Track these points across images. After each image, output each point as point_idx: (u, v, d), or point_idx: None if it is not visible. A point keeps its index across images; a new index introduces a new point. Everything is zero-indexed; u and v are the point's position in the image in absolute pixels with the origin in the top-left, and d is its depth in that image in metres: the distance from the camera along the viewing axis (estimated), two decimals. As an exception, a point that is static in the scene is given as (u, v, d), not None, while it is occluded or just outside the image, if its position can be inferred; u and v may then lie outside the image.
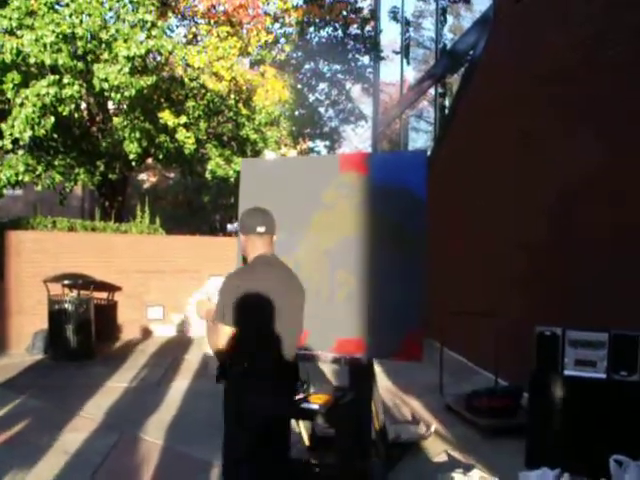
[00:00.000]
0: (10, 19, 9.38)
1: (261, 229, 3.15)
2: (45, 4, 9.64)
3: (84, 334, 9.09)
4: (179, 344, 10.30)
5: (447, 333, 7.08)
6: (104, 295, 10.54)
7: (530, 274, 6.75)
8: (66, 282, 9.35)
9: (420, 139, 15.20)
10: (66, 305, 8.98)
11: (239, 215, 3.50)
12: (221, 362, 3.12)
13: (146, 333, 11.15)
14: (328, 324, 4.11)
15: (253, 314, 2.99)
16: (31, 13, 9.63)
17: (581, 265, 5.81)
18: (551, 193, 6.43)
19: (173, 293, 11.56)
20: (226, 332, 2.93)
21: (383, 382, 6.93)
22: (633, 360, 4.25)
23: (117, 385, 7.34)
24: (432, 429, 5.42)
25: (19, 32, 9.41)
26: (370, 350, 4.04)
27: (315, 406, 3.69)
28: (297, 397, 3.76)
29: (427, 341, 4.53)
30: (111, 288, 10.65)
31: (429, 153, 11.67)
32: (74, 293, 9.31)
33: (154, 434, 5.48)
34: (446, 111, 11.71)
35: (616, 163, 5.41)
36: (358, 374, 4.15)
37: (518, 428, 5.09)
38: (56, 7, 9.96)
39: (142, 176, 26.05)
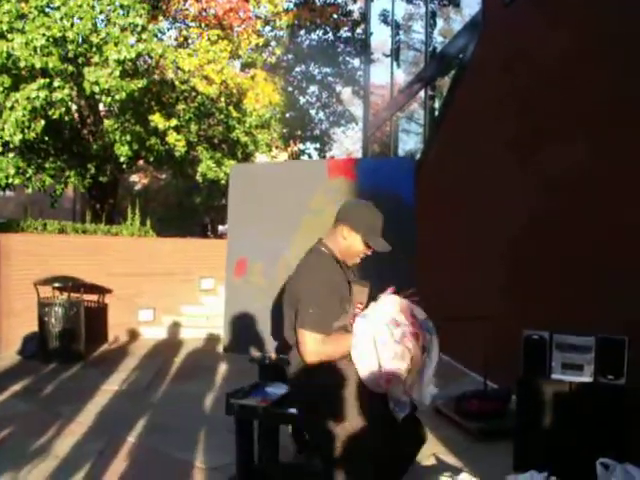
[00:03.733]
0: (0, 22, 9.39)
1: None
2: (36, 7, 9.66)
3: (74, 337, 9.09)
4: (169, 346, 10.30)
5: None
6: (95, 298, 10.53)
7: (518, 278, 6.80)
8: (56, 285, 9.34)
9: (411, 141, 15.22)
10: (56, 308, 8.97)
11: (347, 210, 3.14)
12: None
13: (136, 335, 11.14)
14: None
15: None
16: (22, 16, 9.65)
17: (567, 270, 5.86)
18: (537, 198, 6.48)
19: (164, 295, 11.55)
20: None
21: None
22: (619, 364, 4.28)
23: (107, 388, 7.34)
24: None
25: (9, 35, 9.41)
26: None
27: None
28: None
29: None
30: (102, 291, 10.64)
31: (419, 155, 11.71)
32: (64, 296, 9.30)
33: (143, 438, 5.49)
34: (436, 113, 11.75)
35: (600, 165, 5.47)
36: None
37: (507, 431, 5.12)
38: (47, 10, 9.98)
39: (134, 178, 26.05)
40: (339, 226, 3.06)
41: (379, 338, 2.74)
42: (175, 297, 11.73)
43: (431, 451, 5.05)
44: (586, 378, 4.40)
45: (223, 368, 8.41)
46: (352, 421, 2.81)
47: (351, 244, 3.06)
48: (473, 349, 6.74)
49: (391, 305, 2.85)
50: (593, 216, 5.57)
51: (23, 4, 9.85)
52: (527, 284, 6.61)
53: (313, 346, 2.79)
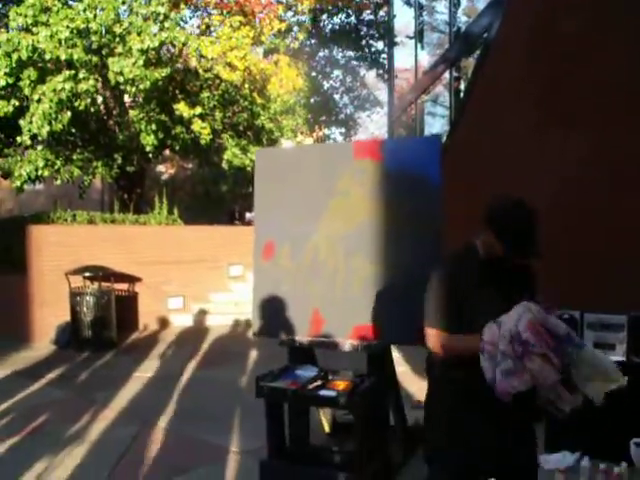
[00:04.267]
0: (25, 16, 9.49)
1: None
2: (59, 0, 9.72)
3: (106, 325, 9.23)
4: (199, 333, 10.40)
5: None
6: (124, 286, 10.65)
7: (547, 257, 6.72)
8: (87, 274, 9.47)
9: (436, 124, 15.11)
10: (87, 297, 9.11)
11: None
12: None
13: (166, 323, 11.27)
14: (344, 311, 4.12)
15: None
16: (46, 10, 9.73)
17: (600, 248, 5.78)
18: (564, 176, 6.39)
19: (193, 283, 11.64)
20: None
21: (401, 367, 6.94)
22: (653, 342, 4.21)
23: (139, 375, 7.43)
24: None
25: (34, 29, 9.50)
26: (386, 336, 4.06)
27: (333, 393, 3.71)
28: (315, 384, 3.80)
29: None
30: (131, 279, 10.75)
31: (445, 138, 11.61)
32: (95, 285, 9.43)
33: (175, 423, 5.55)
34: (461, 95, 11.62)
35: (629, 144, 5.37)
36: (376, 360, 4.17)
37: (538, 411, 5.07)
38: (70, 3, 10.06)
39: (160, 167, 26.18)
40: (486, 227, 2.69)
41: (501, 348, 2.50)
42: (204, 284, 11.81)
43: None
44: (618, 357, 4.32)
45: (253, 353, 8.46)
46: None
47: (493, 247, 2.68)
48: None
49: (521, 318, 2.52)
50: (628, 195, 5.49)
51: (47, -3, 9.94)
52: (552, 262, 6.52)
53: (435, 340, 2.66)
